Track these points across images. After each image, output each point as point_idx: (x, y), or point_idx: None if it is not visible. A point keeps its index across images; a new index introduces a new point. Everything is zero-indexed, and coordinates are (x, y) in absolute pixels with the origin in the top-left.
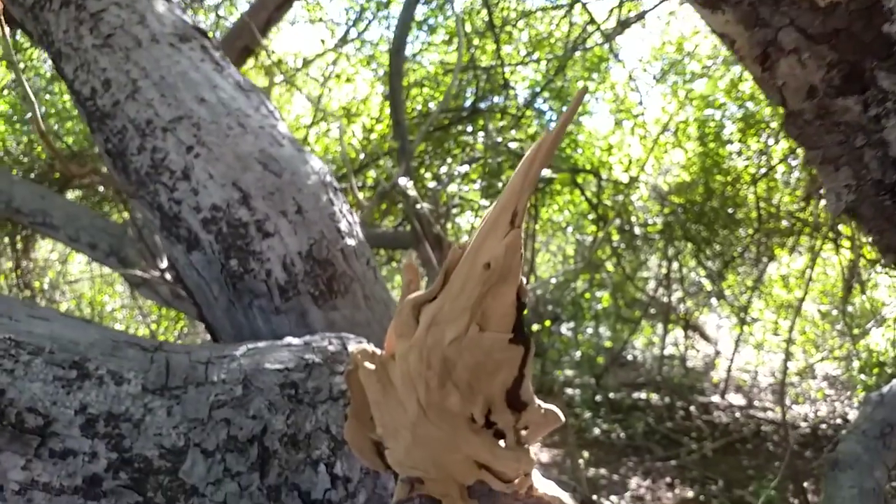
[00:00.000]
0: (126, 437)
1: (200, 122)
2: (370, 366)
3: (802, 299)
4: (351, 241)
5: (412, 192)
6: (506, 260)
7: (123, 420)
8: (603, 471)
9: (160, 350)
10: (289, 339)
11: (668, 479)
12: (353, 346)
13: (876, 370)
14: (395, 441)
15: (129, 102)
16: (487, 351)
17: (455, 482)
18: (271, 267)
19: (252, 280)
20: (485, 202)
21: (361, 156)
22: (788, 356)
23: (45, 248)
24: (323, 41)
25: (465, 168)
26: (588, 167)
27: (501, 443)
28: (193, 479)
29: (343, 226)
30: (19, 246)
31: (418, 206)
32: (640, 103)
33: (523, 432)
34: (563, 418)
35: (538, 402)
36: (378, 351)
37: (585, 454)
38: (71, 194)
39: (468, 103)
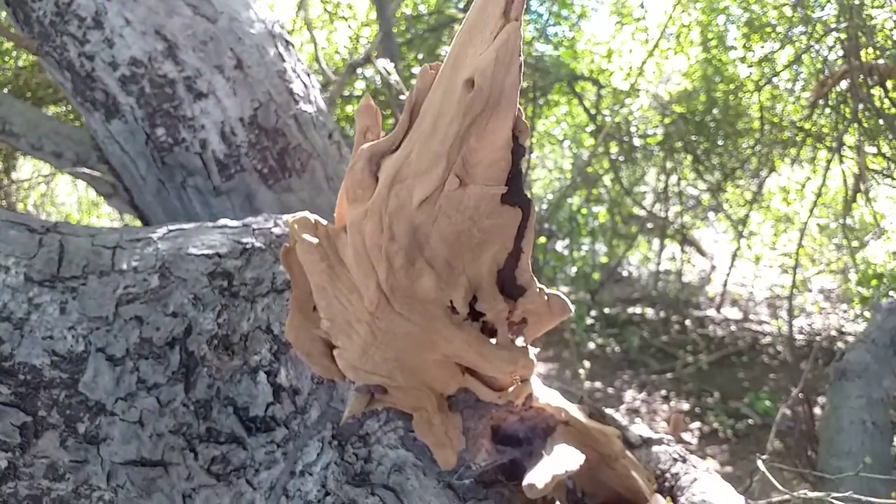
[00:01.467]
0: (5, 341)
1: None
2: (311, 239)
3: (811, 212)
4: (307, 108)
5: (392, 74)
6: (495, 74)
7: (1, 319)
8: (598, 384)
9: (53, 231)
10: (223, 221)
11: (663, 392)
12: (288, 217)
13: (874, 282)
14: (348, 338)
15: None
16: (472, 215)
17: (430, 391)
18: (207, 136)
19: (184, 153)
20: None
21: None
22: (797, 267)
23: (28, 169)
24: None
25: None
26: (587, 75)
27: (492, 340)
28: (98, 394)
29: (297, 88)
30: (1, 165)
31: (401, 96)
32: (642, 6)
33: (520, 327)
34: (571, 308)
35: (539, 286)
36: (322, 221)
37: (587, 364)
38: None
39: (462, 5)
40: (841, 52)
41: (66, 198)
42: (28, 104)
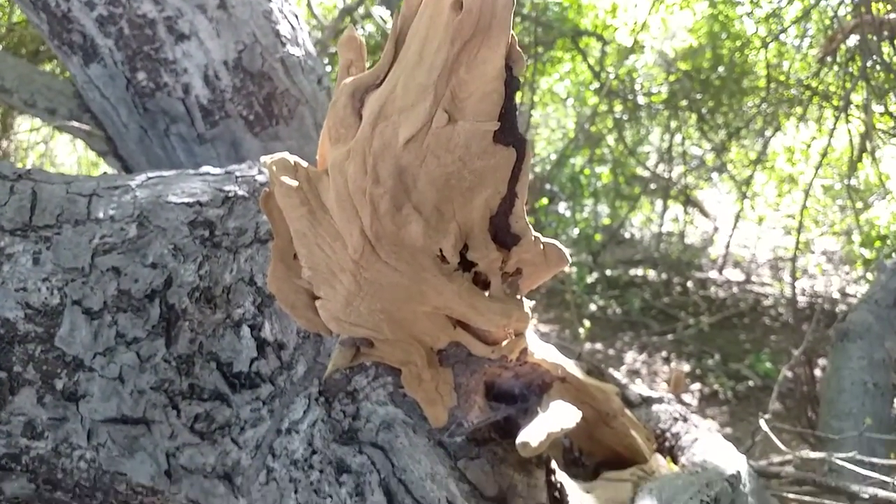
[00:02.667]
0: None
1: None
2: (291, 182)
3: (816, 172)
4: (295, 51)
5: (388, 23)
6: None
7: None
8: (599, 345)
9: (25, 178)
10: (205, 168)
11: (664, 354)
12: (266, 158)
13: (878, 243)
14: (331, 288)
15: None
16: (462, 155)
17: (418, 345)
18: (189, 80)
19: (166, 98)
20: None
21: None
22: (800, 229)
23: (26, 128)
24: None
25: None
26: (591, 30)
27: (485, 292)
28: (75, 349)
29: (284, 29)
30: None
31: None
32: None
33: (514, 278)
34: (568, 258)
35: (535, 234)
36: (302, 162)
37: (587, 323)
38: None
39: None
40: (850, 7)
41: (66, 158)
42: (21, 60)
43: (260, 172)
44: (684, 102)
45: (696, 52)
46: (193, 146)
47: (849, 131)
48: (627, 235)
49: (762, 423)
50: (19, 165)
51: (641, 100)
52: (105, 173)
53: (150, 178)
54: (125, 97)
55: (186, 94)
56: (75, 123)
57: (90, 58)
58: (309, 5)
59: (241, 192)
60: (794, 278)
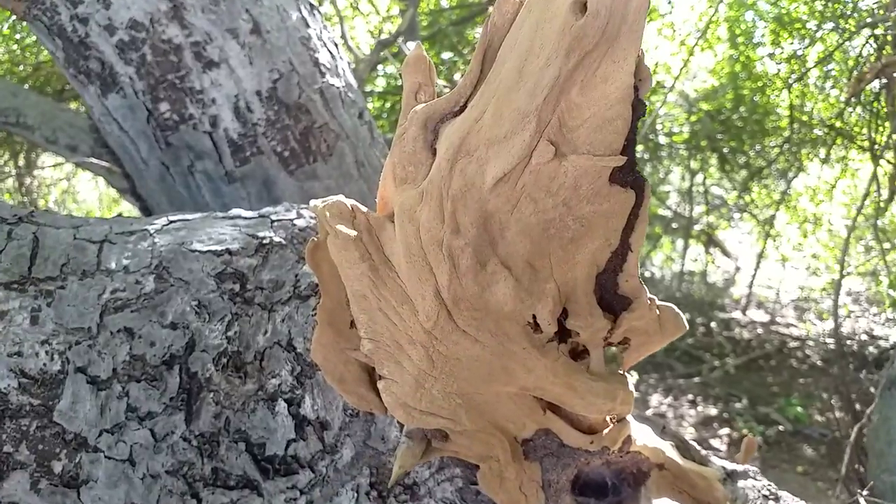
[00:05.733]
0: None
1: None
2: (348, 232)
3: (856, 217)
4: (335, 81)
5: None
6: None
7: None
8: None
9: (27, 221)
10: (236, 211)
11: (689, 397)
12: (317, 202)
13: None
14: (397, 365)
15: None
16: (567, 198)
17: (501, 435)
18: (218, 112)
19: (191, 132)
20: None
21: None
22: (843, 269)
23: (49, 164)
24: None
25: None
26: None
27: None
28: (77, 425)
29: (323, 58)
30: (21, 162)
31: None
32: (669, 2)
33: (620, 348)
34: (685, 324)
35: (650, 296)
36: (361, 207)
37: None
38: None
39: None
40: (874, 48)
41: (88, 194)
42: (43, 97)
43: (299, 216)
44: (705, 142)
45: (717, 93)
46: (221, 185)
47: (874, 172)
48: (648, 274)
49: (862, 501)
50: (42, 202)
51: (662, 139)
52: (120, 215)
53: (171, 222)
54: (146, 130)
55: (214, 128)
56: (95, 160)
57: (108, 87)
58: (343, 35)
59: (277, 239)
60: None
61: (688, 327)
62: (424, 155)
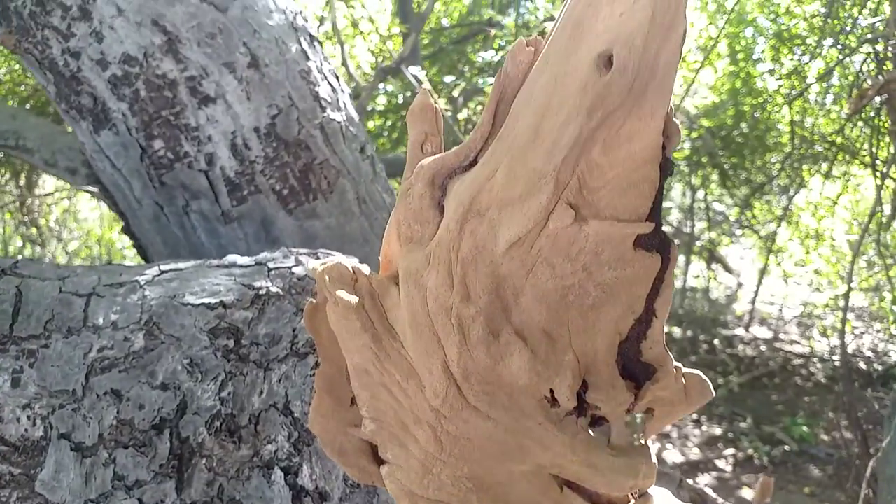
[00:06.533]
0: None
1: None
2: (349, 299)
3: (862, 237)
4: (336, 116)
5: (423, 83)
6: (648, 44)
7: None
8: None
9: (10, 273)
10: (231, 257)
11: (693, 416)
12: (316, 264)
13: None
14: (401, 448)
15: None
16: (588, 263)
17: None
18: (214, 150)
19: (186, 170)
20: None
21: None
22: (850, 283)
23: (51, 184)
24: None
25: (490, 53)
26: None
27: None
28: (60, 495)
29: (324, 91)
30: (22, 182)
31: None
32: None
33: (643, 420)
34: (711, 390)
35: (675, 364)
36: (364, 269)
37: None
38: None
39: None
40: (874, 64)
41: (90, 213)
42: (43, 119)
43: (297, 263)
44: (706, 158)
45: (718, 109)
46: (217, 225)
47: (877, 187)
48: None
49: None
50: (42, 221)
51: None
52: (110, 263)
53: (162, 273)
54: (139, 169)
55: (210, 166)
56: (92, 188)
57: (101, 124)
58: (344, 62)
59: (274, 290)
60: (844, 337)
61: (714, 394)
62: (431, 213)
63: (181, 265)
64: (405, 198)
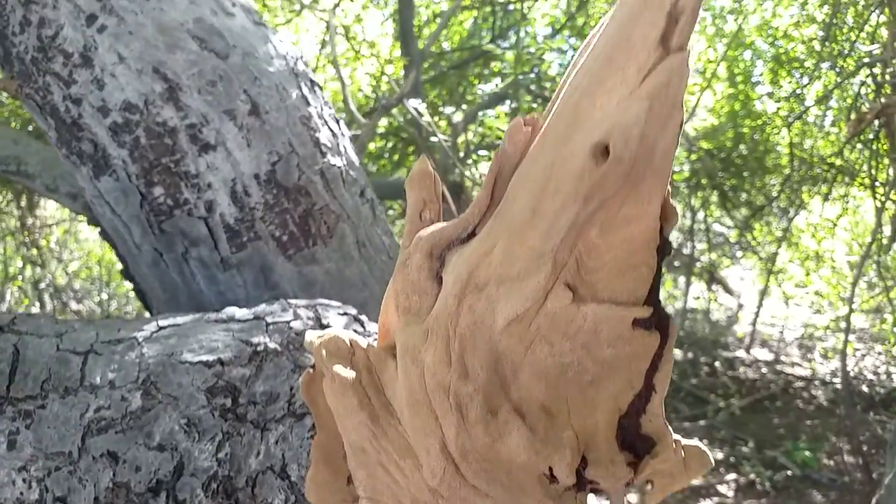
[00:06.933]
0: None
1: None
2: (346, 375)
3: (864, 260)
4: (336, 161)
5: (423, 116)
6: (645, 135)
7: None
8: None
9: (8, 331)
10: (230, 310)
11: (695, 440)
12: (312, 336)
13: None
14: None
15: None
16: (587, 341)
17: None
18: (214, 197)
19: (185, 217)
20: None
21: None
22: (851, 304)
23: (52, 205)
24: None
25: (490, 86)
26: None
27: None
28: None
29: (324, 137)
30: (24, 203)
31: (432, 138)
32: None
33: (642, 486)
34: (711, 460)
35: (675, 437)
36: (360, 341)
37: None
38: None
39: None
40: (872, 87)
41: (90, 233)
42: (45, 145)
43: (295, 317)
44: (706, 180)
45: (717, 131)
46: (216, 272)
47: (877, 209)
48: None
49: None
50: (43, 242)
51: None
52: (108, 317)
53: (161, 329)
54: (139, 215)
55: (210, 213)
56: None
57: (101, 170)
58: (345, 100)
59: (272, 346)
60: (845, 360)
61: (713, 463)
62: (429, 284)
63: (179, 320)
64: (403, 268)
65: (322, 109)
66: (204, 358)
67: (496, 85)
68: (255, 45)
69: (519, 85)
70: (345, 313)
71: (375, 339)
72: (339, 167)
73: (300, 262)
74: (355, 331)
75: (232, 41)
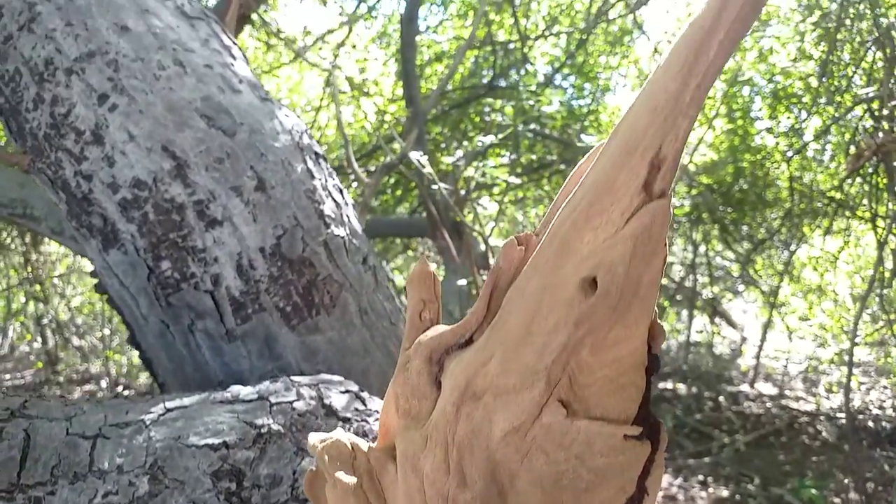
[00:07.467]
0: None
1: (120, 60)
2: (347, 480)
3: (867, 294)
4: (339, 231)
5: (426, 167)
6: (630, 271)
7: None
8: None
9: (19, 416)
10: (235, 389)
11: (700, 477)
12: (315, 440)
13: None
14: None
15: (24, 36)
16: (581, 452)
17: None
18: (220, 271)
19: (192, 291)
20: (514, 180)
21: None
22: (853, 346)
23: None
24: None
25: (489, 138)
26: None
27: None
28: None
29: (328, 208)
30: (28, 239)
31: (433, 186)
32: None
33: None
34: None
35: None
36: (361, 445)
37: None
38: None
39: (486, 81)
40: (871, 122)
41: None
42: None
43: (298, 398)
44: (707, 215)
45: (717, 166)
46: (221, 344)
47: (878, 242)
48: None
49: None
50: (46, 280)
51: None
52: (117, 396)
53: (168, 412)
54: (146, 288)
55: (216, 286)
56: None
57: (110, 243)
58: (349, 159)
59: (275, 428)
60: (848, 395)
61: None
62: (429, 389)
63: (186, 401)
64: (403, 372)
65: (326, 181)
66: (210, 441)
67: (496, 136)
68: (261, 122)
69: (519, 136)
70: (346, 391)
71: (376, 438)
72: (342, 237)
73: (303, 331)
74: (356, 409)
75: (239, 118)
